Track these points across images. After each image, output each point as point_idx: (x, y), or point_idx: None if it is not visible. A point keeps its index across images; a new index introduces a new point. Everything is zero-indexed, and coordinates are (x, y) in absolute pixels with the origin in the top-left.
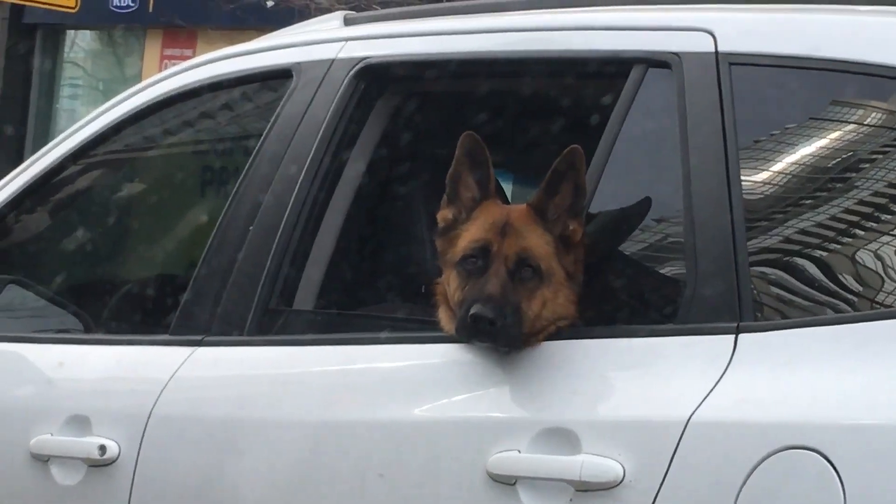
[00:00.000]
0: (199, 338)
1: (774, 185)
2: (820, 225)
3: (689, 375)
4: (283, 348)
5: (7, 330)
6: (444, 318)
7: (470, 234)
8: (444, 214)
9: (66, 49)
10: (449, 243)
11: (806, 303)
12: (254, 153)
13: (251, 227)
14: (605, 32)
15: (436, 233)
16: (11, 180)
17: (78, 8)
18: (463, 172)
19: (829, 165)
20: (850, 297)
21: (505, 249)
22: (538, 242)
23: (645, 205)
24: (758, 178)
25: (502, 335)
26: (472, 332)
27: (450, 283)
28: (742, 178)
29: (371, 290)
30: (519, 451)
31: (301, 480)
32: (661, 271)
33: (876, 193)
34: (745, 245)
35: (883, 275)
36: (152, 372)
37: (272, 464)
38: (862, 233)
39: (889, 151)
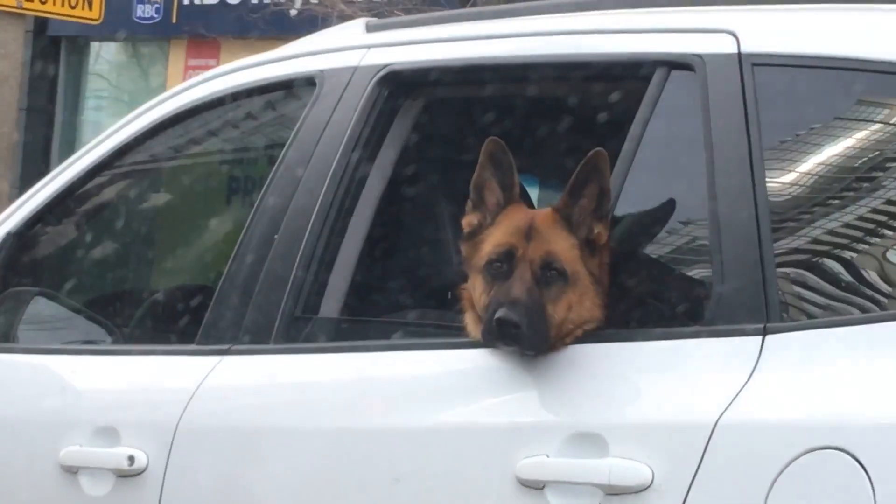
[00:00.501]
0: (225, 347)
1: (799, 185)
2: (846, 225)
3: (716, 377)
4: (310, 356)
5: (35, 342)
6: (470, 323)
7: (495, 239)
8: (469, 219)
9: (91, 61)
10: (474, 248)
11: (833, 303)
12: (278, 161)
13: (276, 236)
14: (628, 35)
15: (461, 238)
16: (37, 192)
17: (101, 19)
18: (487, 177)
19: (855, 165)
20: (877, 296)
21: (530, 253)
22: (563, 246)
23: (669, 206)
24: (782, 178)
25: (528, 339)
26: (498, 335)
27: (475, 288)
28: (767, 178)
29: (396, 297)
30: (547, 456)
31: (328, 488)
32: (687, 273)
33: None
34: (770, 246)
35: None
36: (179, 382)
37: (300, 472)
38: (889, 232)
39: None
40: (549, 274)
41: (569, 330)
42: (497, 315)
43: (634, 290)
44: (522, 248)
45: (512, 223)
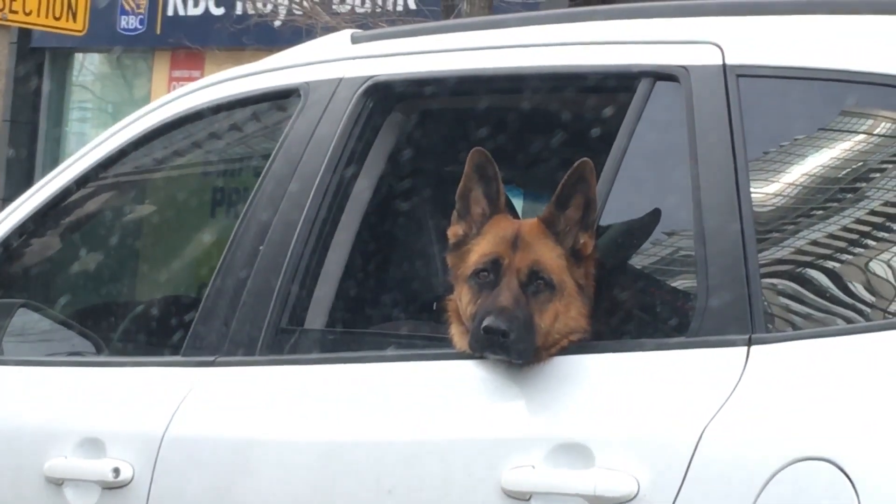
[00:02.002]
0: (211, 358)
1: (784, 196)
2: (830, 235)
3: (702, 388)
4: (295, 367)
5: (19, 353)
6: (456, 334)
7: (481, 249)
8: (455, 230)
9: (75, 72)
10: (460, 258)
11: (818, 314)
12: (263, 173)
13: (261, 247)
14: (613, 46)
15: (447, 249)
16: (21, 204)
17: (85, 31)
18: (472, 188)
19: (839, 176)
20: (861, 307)
21: (516, 263)
22: (550, 255)
23: (655, 216)
24: (767, 189)
25: (515, 347)
26: (485, 344)
27: (461, 298)
28: (751, 189)
29: (382, 309)
30: (533, 467)
31: (315, 499)
32: (672, 284)
33: (886, 203)
34: (755, 256)
35: (894, 284)
36: (165, 393)
37: (285, 484)
38: (872, 243)
39: None
40: (536, 283)
41: (555, 340)
42: (485, 324)
43: (620, 301)
44: (509, 257)
45: (498, 233)
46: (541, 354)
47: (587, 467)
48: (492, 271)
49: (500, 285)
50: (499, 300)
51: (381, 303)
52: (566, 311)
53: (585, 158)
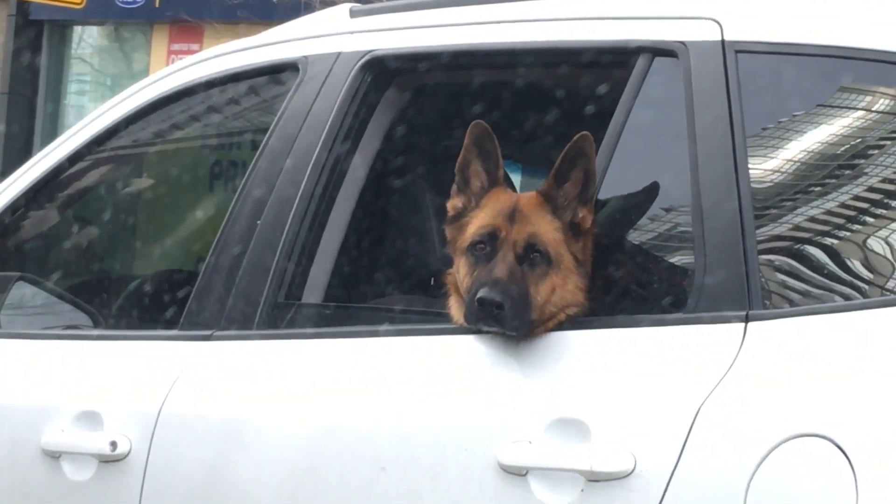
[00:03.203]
0: (208, 332)
1: (782, 172)
2: (828, 212)
3: (699, 364)
4: (293, 342)
5: (16, 326)
6: (454, 306)
7: (478, 221)
8: (454, 203)
9: (74, 45)
10: (458, 231)
11: (815, 290)
12: (261, 147)
13: (259, 221)
14: (612, 22)
15: (445, 221)
16: (19, 177)
17: (84, 4)
18: (472, 160)
19: (837, 153)
20: (859, 284)
21: (513, 235)
22: (547, 228)
23: (653, 189)
24: (765, 165)
25: (510, 319)
26: (479, 316)
27: (459, 270)
28: (750, 166)
29: (380, 283)
30: (530, 442)
31: (312, 475)
32: (670, 260)
33: (884, 180)
34: (753, 233)
35: (893, 261)
36: (162, 367)
37: (283, 459)
38: (871, 220)
39: None
40: (533, 256)
41: (552, 313)
42: (479, 295)
43: (617, 277)
44: (506, 229)
45: (496, 206)
46: (537, 327)
47: (584, 443)
48: (488, 244)
49: (496, 257)
50: (494, 272)
51: (379, 278)
52: (563, 285)
53: (585, 132)
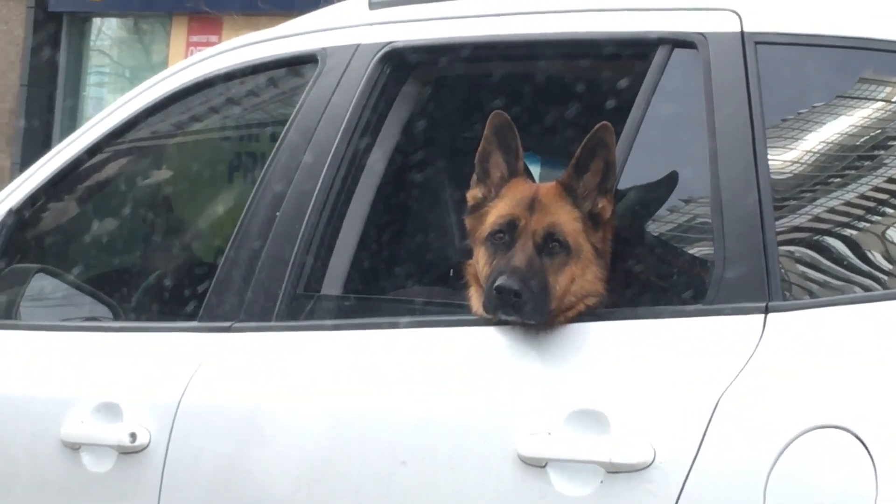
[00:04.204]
0: (227, 324)
1: (801, 164)
2: (848, 203)
3: (718, 355)
4: (312, 333)
5: (37, 318)
6: (473, 297)
7: (498, 210)
8: (474, 193)
9: (92, 37)
10: (478, 221)
11: (835, 281)
12: (280, 139)
13: (278, 213)
14: (631, 13)
15: (465, 212)
16: (39, 169)
17: None
18: (492, 151)
19: (857, 144)
20: (879, 275)
21: (533, 224)
22: (567, 218)
23: (672, 179)
24: (785, 157)
25: (528, 308)
26: (498, 304)
27: (478, 260)
28: (769, 157)
29: (398, 275)
30: (549, 434)
31: (329, 465)
32: (689, 252)
33: None
34: (773, 224)
35: None
36: (182, 359)
37: (303, 452)
38: (891, 211)
39: None
40: (552, 245)
41: (571, 303)
42: (497, 283)
43: (637, 268)
44: (525, 219)
45: (516, 195)
46: (556, 317)
47: (603, 434)
48: (507, 233)
49: (515, 247)
50: (513, 261)
51: (397, 269)
52: (582, 275)
53: (605, 122)
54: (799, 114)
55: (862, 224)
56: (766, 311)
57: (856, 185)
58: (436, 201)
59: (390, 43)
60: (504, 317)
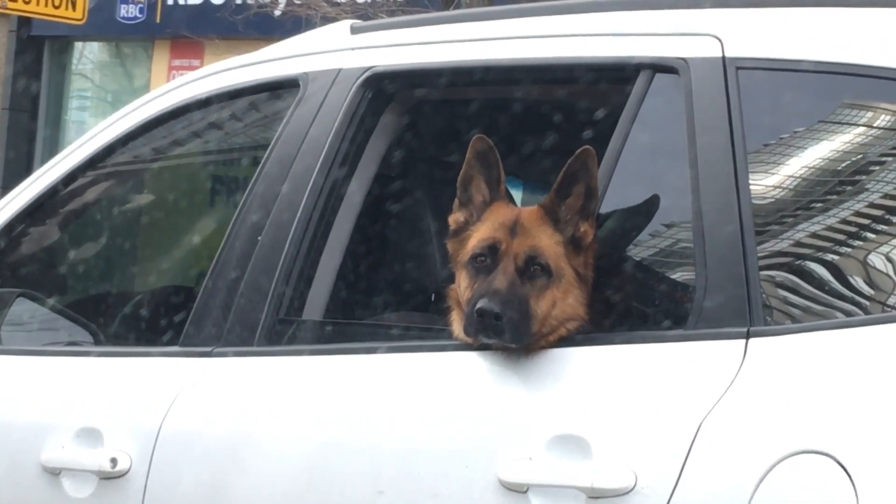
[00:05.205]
0: (209, 349)
1: (783, 189)
2: (829, 228)
3: (700, 380)
4: (293, 358)
5: (17, 343)
6: (455, 321)
7: (480, 234)
8: (456, 217)
9: (74, 61)
10: (460, 245)
11: (816, 307)
12: (262, 163)
13: (260, 237)
14: (612, 38)
15: (447, 235)
16: (20, 192)
17: (85, 19)
18: (474, 175)
19: (838, 169)
20: (860, 300)
21: (514, 248)
22: (548, 242)
23: (654, 202)
24: (766, 182)
25: (509, 330)
26: (479, 327)
27: (460, 284)
28: (751, 182)
29: (381, 299)
30: (531, 459)
31: (309, 491)
32: (671, 276)
33: (885, 196)
34: (754, 249)
35: (894, 277)
36: (163, 383)
37: (282, 479)
38: (872, 236)
39: None
40: (533, 269)
41: (552, 327)
42: (478, 306)
43: (618, 293)
44: (507, 242)
45: (497, 219)
46: (537, 341)
47: (585, 459)
48: (489, 256)
49: (497, 270)
50: (493, 284)
51: (380, 294)
52: (564, 298)
53: (587, 146)
54: (780, 139)
55: (843, 249)
56: (748, 336)
57: (837, 211)
58: (419, 224)
59: (372, 67)
60: (485, 339)
